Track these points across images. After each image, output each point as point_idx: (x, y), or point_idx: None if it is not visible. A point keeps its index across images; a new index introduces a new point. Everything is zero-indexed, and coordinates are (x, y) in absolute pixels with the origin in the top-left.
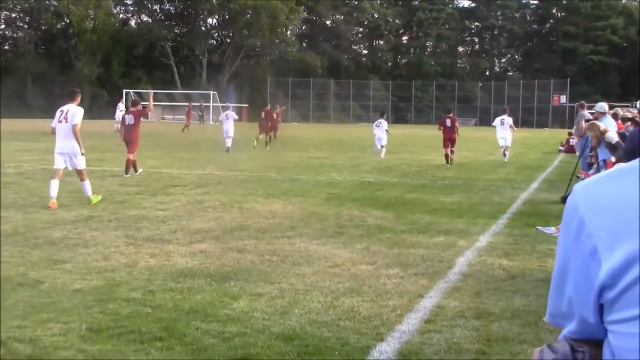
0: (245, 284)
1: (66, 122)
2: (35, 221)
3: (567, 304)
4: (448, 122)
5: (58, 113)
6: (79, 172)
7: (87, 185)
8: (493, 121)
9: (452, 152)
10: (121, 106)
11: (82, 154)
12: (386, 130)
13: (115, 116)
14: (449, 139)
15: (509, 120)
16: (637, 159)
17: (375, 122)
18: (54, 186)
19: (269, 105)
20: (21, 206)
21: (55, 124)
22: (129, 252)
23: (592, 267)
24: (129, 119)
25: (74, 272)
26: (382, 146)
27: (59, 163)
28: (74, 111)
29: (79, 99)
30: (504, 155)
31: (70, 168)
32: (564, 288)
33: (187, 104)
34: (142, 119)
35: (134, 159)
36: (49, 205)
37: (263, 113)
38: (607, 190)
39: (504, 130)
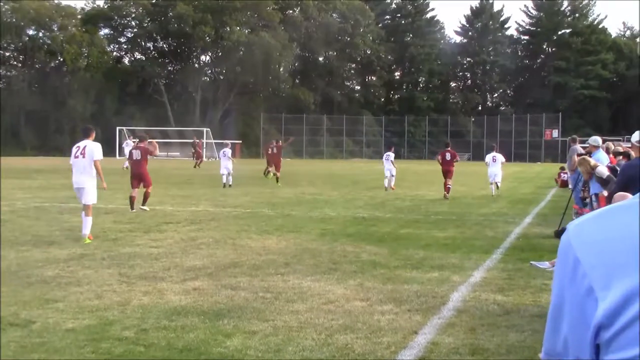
0: (239, 321)
1: (83, 157)
2: (28, 260)
3: (562, 343)
4: (448, 156)
5: (74, 149)
6: (86, 207)
7: (89, 222)
8: (485, 156)
9: (448, 187)
10: (129, 142)
11: (104, 189)
12: (392, 161)
13: (126, 153)
14: (447, 172)
15: (500, 157)
16: (631, 198)
17: (384, 156)
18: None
19: (280, 141)
20: (14, 244)
21: (72, 160)
22: (122, 290)
23: (588, 306)
24: (136, 154)
25: (66, 311)
26: (392, 175)
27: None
28: (92, 147)
29: (93, 135)
30: (492, 189)
31: (82, 202)
32: (559, 327)
33: (194, 140)
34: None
35: (141, 193)
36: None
37: (275, 148)
38: (601, 228)
39: (495, 167)
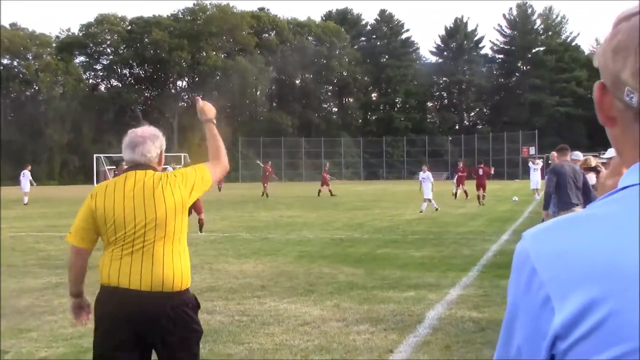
0: (214, 345)
1: None
2: (2, 290)
3: (515, 353)
4: (480, 172)
5: None
6: None
7: None
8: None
9: (483, 194)
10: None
11: None
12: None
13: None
14: (480, 184)
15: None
16: (588, 207)
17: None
18: None
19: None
20: None
21: None
22: None
23: (543, 316)
24: None
25: (40, 340)
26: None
27: None
28: None
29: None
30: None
31: None
32: (512, 337)
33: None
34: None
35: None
36: None
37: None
38: (560, 238)
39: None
